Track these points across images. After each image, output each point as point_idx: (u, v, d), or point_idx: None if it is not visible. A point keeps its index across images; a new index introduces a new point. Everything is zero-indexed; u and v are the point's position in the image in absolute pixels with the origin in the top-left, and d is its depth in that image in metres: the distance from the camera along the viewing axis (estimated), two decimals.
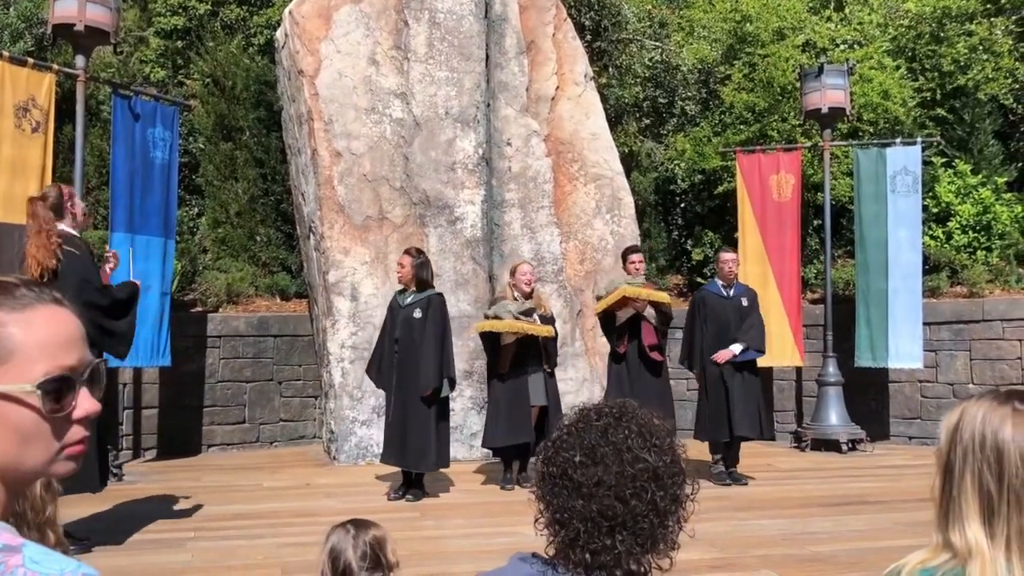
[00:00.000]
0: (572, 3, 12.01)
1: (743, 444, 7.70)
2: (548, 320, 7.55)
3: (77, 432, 1.04)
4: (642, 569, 1.45)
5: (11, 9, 11.34)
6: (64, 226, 5.22)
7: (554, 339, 7.52)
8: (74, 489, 5.26)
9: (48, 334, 1.03)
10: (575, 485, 1.43)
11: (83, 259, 5.21)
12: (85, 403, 1.05)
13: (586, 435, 1.46)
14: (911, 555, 1.37)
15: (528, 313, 7.41)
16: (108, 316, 5.25)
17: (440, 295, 7.01)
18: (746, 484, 7.39)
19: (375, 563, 2.33)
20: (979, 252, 10.64)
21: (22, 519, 1.84)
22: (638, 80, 12.58)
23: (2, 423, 1.00)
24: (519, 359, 7.35)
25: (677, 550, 1.47)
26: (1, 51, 7.60)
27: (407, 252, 7.08)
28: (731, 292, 7.74)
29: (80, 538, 5.03)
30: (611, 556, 1.41)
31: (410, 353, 6.73)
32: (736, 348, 7.47)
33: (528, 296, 7.49)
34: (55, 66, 7.75)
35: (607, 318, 7.70)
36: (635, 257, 7.81)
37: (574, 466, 1.44)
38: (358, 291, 8.75)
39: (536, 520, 1.49)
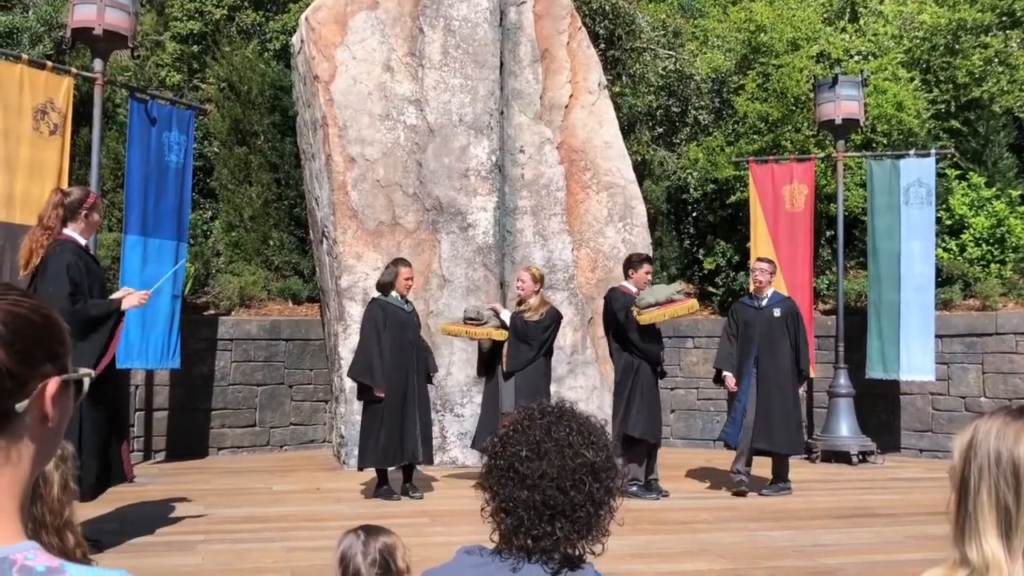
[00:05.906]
0: (587, 12, 12.04)
1: (758, 456, 7.64)
2: (522, 325, 7.36)
3: None
4: (577, 553, 1.59)
5: (31, 13, 11.46)
6: (71, 231, 5.15)
7: (514, 341, 7.33)
8: None
9: None
10: (520, 477, 1.57)
11: (56, 268, 4.96)
12: None
13: (531, 432, 1.60)
14: (929, 572, 1.37)
15: (472, 319, 7.57)
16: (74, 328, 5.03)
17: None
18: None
19: (385, 569, 2.34)
20: (993, 265, 10.59)
21: (41, 524, 1.84)
22: (651, 89, 12.59)
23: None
24: (492, 365, 7.53)
25: (608, 537, 1.62)
26: (20, 54, 7.69)
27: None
28: (763, 303, 7.64)
29: (92, 539, 5.04)
30: (551, 541, 1.56)
31: None
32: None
33: (521, 302, 7.55)
34: (73, 69, 7.82)
35: (648, 328, 7.30)
36: (649, 267, 7.60)
37: (520, 460, 1.58)
38: (370, 296, 8.77)
39: (482, 509, 1.64)
